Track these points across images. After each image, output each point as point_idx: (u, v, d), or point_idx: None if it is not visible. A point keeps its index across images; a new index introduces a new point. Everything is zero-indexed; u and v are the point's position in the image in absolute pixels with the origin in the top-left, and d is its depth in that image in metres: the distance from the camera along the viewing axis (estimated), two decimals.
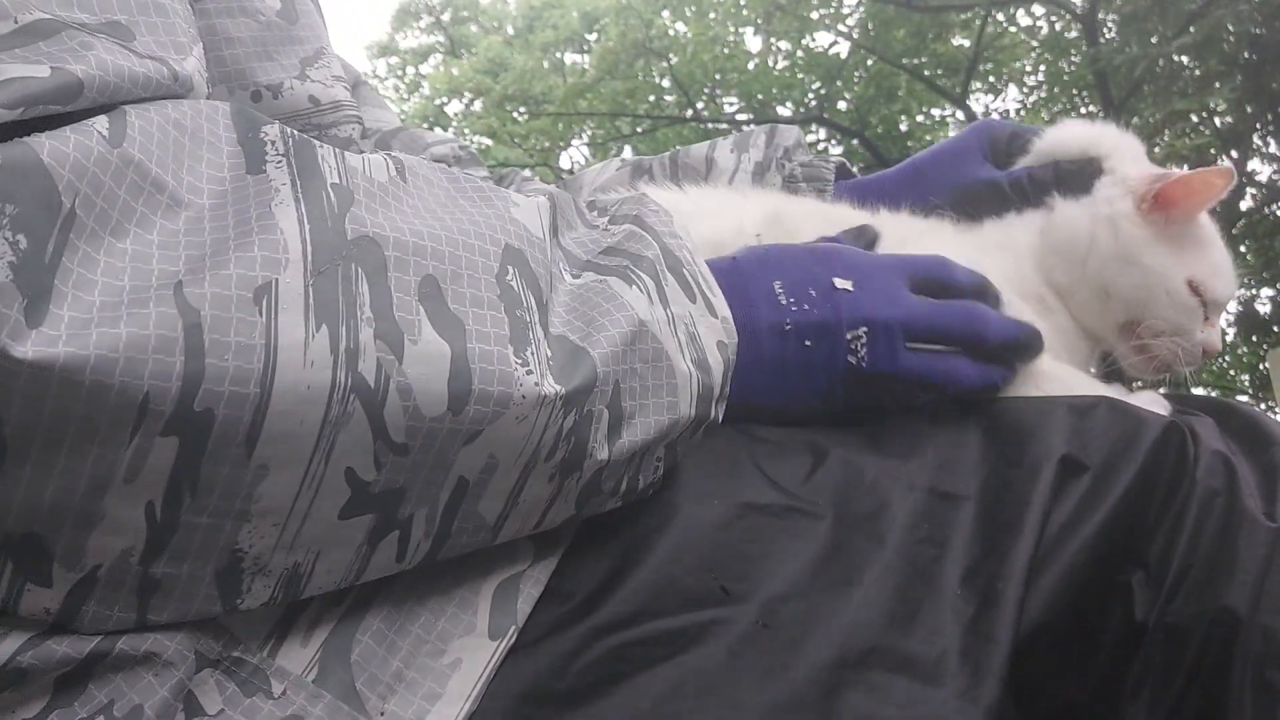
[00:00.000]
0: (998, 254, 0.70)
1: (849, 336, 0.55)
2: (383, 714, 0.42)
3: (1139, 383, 0.74)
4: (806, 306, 0.55)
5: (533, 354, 0.42)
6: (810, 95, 9.86)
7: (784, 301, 0.55)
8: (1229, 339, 9.58)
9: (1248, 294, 8.98)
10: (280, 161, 0.41)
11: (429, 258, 0.41)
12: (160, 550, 0.37)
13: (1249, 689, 0.44)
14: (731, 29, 10.01)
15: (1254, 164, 8.34)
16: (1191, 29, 7.10)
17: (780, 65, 10.01)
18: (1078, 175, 0.74)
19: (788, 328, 0.55)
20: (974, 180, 0.77)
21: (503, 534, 0.45)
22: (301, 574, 0.41)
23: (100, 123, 0.37)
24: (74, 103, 0.36)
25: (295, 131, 0.43)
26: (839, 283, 0.56)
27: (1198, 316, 0.69)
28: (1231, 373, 9.43)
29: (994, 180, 0.76)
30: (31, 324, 0.33)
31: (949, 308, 0.56)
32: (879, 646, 0.44)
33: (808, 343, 0.55)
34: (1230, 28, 7.15)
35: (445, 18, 13.48)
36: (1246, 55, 7.38)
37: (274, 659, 0.42)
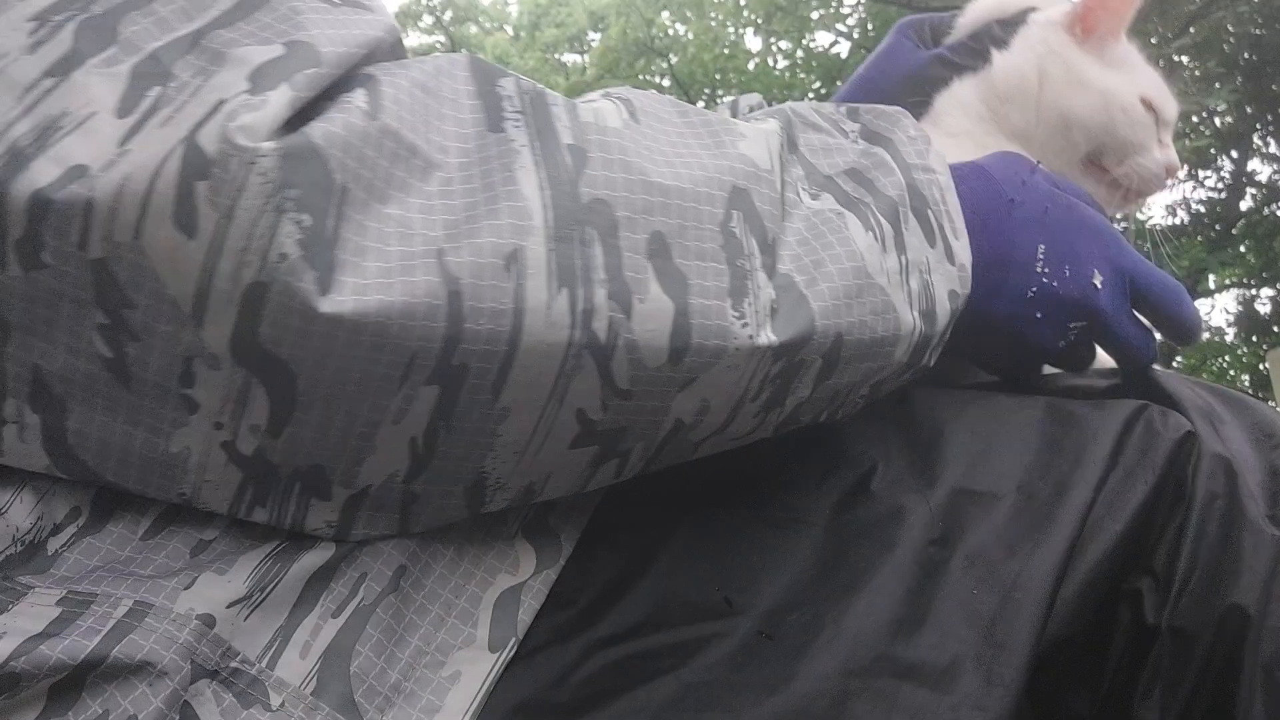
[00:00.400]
0: (962, 139, 0.72)
1: (1072, 326, 0.55)
2: None
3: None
4: (1057, 284, 0.54)
5: (750, 305, 0.44)
6: (810, 95, 9.86)
7: (1039, 269, 0.54)
8: (1229, 339, 9.58)
9: (1248, 294, 8.98)
10: (519, 120, 0.43)
11: (657, 213, 0.43)
12: (420, 473, 0.43)
13: (1259, 688, 0.44)
14: (731, 29, 10.01)
15: (1254, 164, 8.35)
16: (1191, 29, 7.10)
17: (780, 65, 10.02)
18: (1007, 28, 0.76)
19: (1031, 294, 0.54)
20: (918, 65, 0.78)
21: (700, 450, 0.48)
22: (535, 490, 0.46)
23: (359, 97, 0.40)
24: (320, 87, 0.39)
25: (529, 83, 0.45)
26: (1096, 279, 0.55)
27: (1153, 133, 0.72)
28: (1231, 373, 9.42)
29: (937, 55, 0.77)
30: (322, 292, 0.37)
31: (1166, 283, 0.57)
32: (885, 654, 0.44)
33: (1039, 315, 0.55)
34: (1230, 28, 7.15)
35: (446, 17, 13.48)
36: (1246, 56, 7.38)
37: (273, 670, 0.42)
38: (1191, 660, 0.45)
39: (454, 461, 0.43)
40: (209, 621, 0.41)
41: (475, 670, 0.44)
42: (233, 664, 0.41)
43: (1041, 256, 0.54)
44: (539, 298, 0.40)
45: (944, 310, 0.50)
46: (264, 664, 0.42)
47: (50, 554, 0.44)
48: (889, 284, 0.47)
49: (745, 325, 0.43)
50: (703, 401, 0.44)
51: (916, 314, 0.48)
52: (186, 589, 0.42)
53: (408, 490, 0.44)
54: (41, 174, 0.37)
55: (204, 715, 0.40)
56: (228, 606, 0.42)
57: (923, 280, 0.49)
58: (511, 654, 0.44)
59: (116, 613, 0.40)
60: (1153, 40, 7.53)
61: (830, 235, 0.47)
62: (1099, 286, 0.55)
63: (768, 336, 0.43)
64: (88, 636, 0.39)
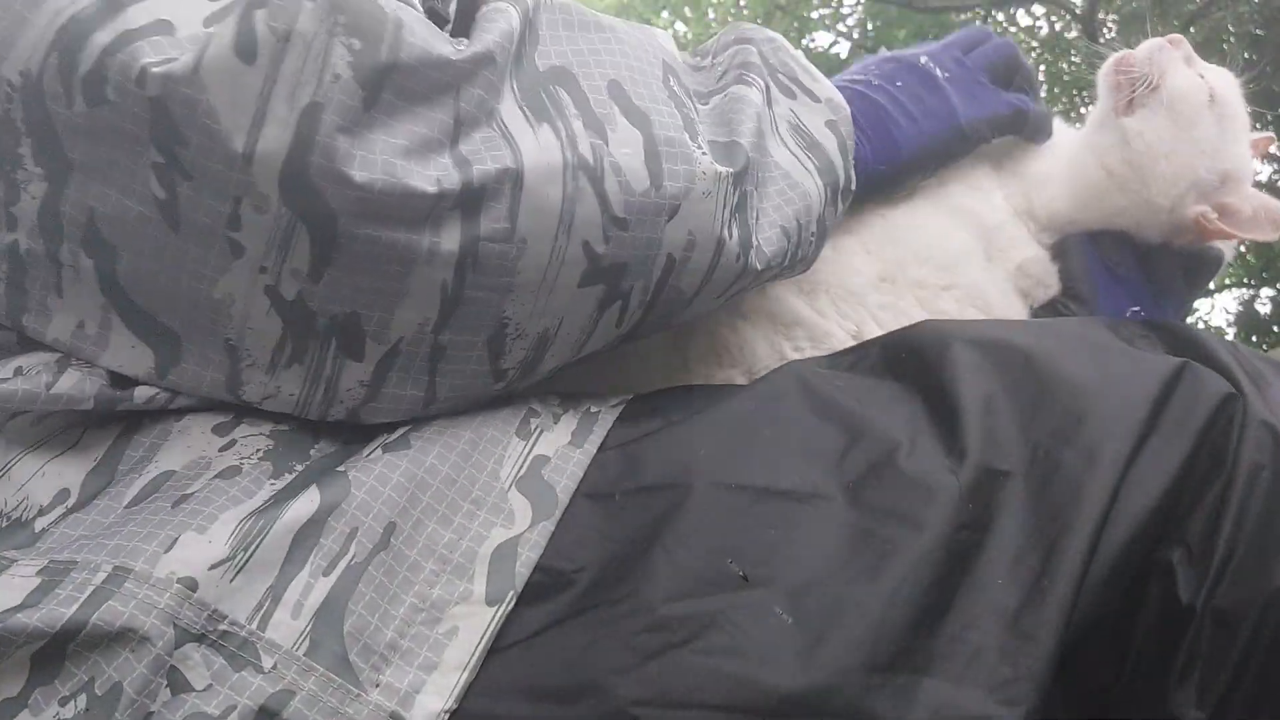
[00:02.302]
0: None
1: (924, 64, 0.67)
2: (377, 686, 0.41)
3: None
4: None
5: (703, 141, 0.51)
6: None
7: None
8: (1228, 339, 9.56)
9: (1248, 294, 8.97)
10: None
11: (608, 67, 0.50)
12: (447, 320, 0.46)
13: None
14: None
15: (1254, 164, 8.33)
16: (1191, 29, 7.09)
17: None
18: None
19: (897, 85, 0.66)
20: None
21: (695, 306, 0.54)
22: (549, 337, 0.49)
23: None
24: None
25: None
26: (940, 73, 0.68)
27: None
28: None
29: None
30: (367, 107, 0.42)
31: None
32: (909, 647, 0.42)
33: (900, 83, 0.66)
34: (1230, 28, 7.15)
35: None
36: (1246, 56, 7.38)
37: (264, 631, 0.41)
38: (1235, 644, 0.43)
39: (478, 306, 0.46)
40: (190, 585, 0.41)
41: (473, 624, 0.43)
42: (221, 627, 0.40)
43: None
44: (523, 129, 0.46)
45: (827, 136, 0.60)
46: (254, 625, 0.41)
47: (37, 531, 0.44)
48: (767, 129, 0.56)
49: (705, 154, 0.50)
50: (689, 234, 0.50)
51: (793, 150, 0.57)
52: (167, 552, 0.41)
53: (436, 343, 0.47)
54: (134, 18, 0.41)
55: (193, 680, 0.39)
56: (210, 568, 0.41)
57: (791, 124, 0.59)
58: (511, 606, 0.43)
59: (95, 580, 0.40)
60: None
61: (728, 105, 0.55)
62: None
63: (724, 166, 0.51)
64: (65, 605, 0.39)
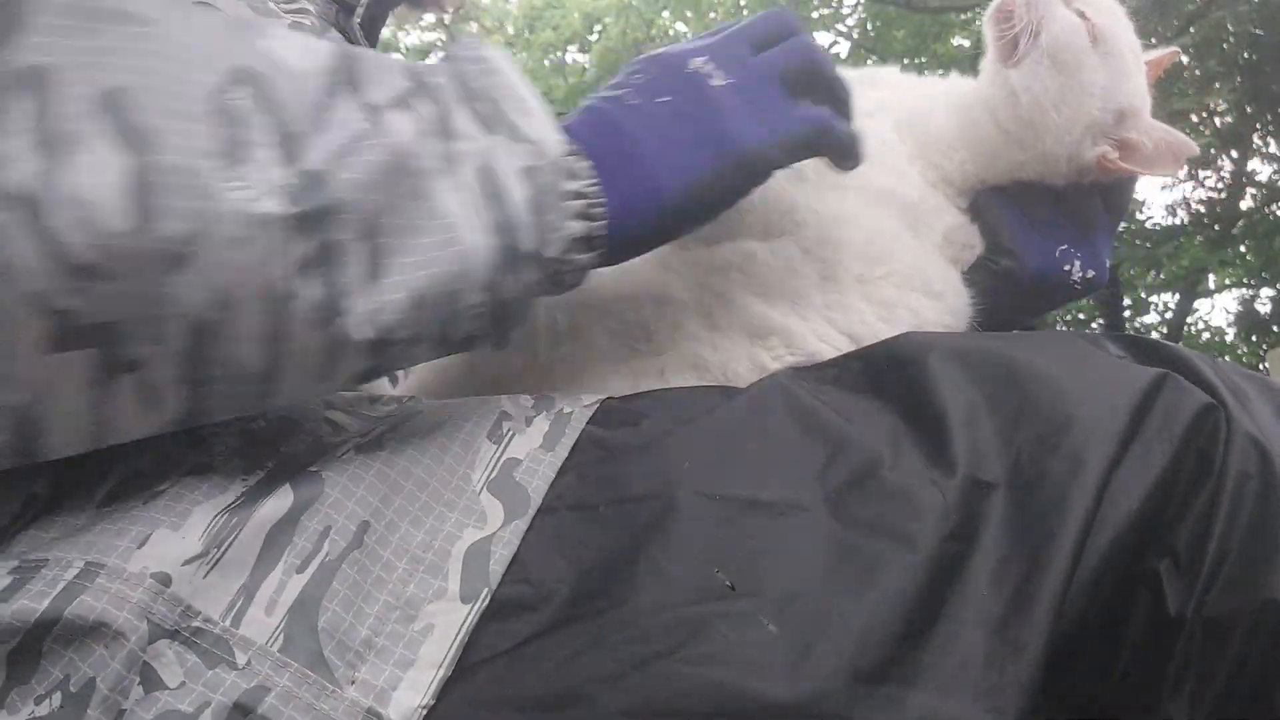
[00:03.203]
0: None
1: (696, 68, 0.53)
2: (353, 682, 0.40)
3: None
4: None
5: (251, 171, 0.40)
6: None
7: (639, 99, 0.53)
8: (1229, 339, 9.58)
9: (1248, 294, 8.98)
10: None
11: (116, 71, 0.39)
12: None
13: None
14: None
15: (1254, 164, 8.34)
16: (1191, 29, 7.10)
17: None
18: None
19: (635, 102, 0.52)
20: None
21: (288, 388, 0.44)
22: (32, 418, 0.40)
23: None
24: None
25: None
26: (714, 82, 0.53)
27: None
28: None
29: None
30: None
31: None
32: (894, 657, 0.41)
33: (662, 99, 0.52)
34: (1230, 28, 7.15)
35: (447, 17, 13.48)
36: (1246, 55, 7.39)
37: (237, 628, 0.40)
38: (1226, 653, 0.43)
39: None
40: (164, 580, 0.40)
41: (448, 622, 0.42)
42: (194, 623, 0.40)
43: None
44: None
45: (518, 187, 0.47)
46: (228, 622, 0.40)
47: (9, 537, 0.43)
48: (427, 168, 0.45)
49: (243, 189, 0.40)
50: (216, 292, 0.40)
51: (469, 199, 0.46)
52: (139, 547, 0.41)
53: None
54: None
55: (166, 676, 0.39)
56: (184, 564, 0.40)
57: (479, 166, 0.46)
58: (485, 604, 0.43)
59: (67, 575, 0.39)
60: (1153, 40, 7.54)
61: (365, 132, 0.44)
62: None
63: (277, 206, 0.40)
64: (37, 600, 0.38)
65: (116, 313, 0.39)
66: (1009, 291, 0.67)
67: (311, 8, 0.63)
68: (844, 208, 0.65)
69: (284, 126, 0.42)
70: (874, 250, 0.64)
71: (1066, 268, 0.67)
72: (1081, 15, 0.65)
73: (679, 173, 0.51)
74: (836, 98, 0.57)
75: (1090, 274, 0.67)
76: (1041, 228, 0.68)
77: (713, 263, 0.63)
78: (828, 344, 0.61)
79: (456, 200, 0.45)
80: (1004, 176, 0.68)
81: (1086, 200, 0.68)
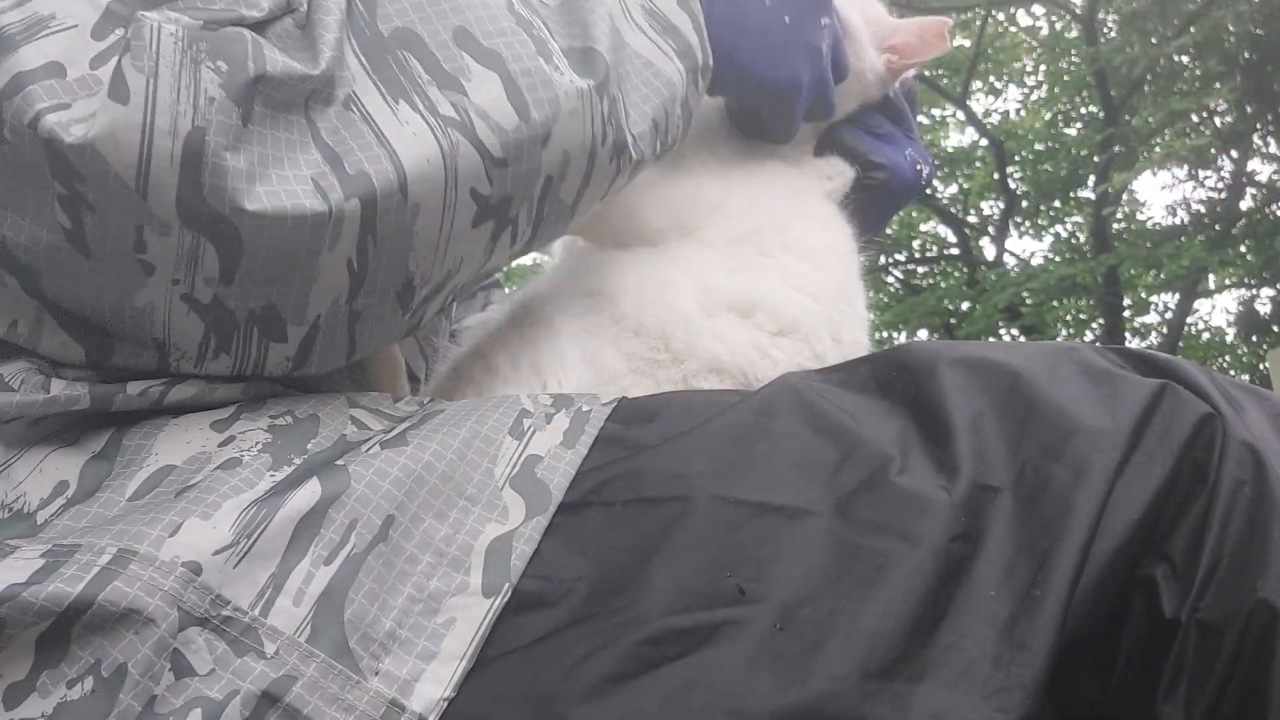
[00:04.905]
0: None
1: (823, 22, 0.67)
2: (377, 673, 0.41)
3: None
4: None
5: (559, 59, 0.53)
6: None
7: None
8: (1229, 339, 9.57)
9: (1248, 294, 8.97)
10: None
11: (451, 14, 0.52)
12: (358, 291, 0.50)
13: None
14: None
15: (1254, 164, 8.34)
16: (1191, 29, 7.09)
17: None
18: None
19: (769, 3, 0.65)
20: None
21: (579, 212, 0.57)
22: (451, 276, 0.53)
23: None
24: None
25: None
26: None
27: None
28: (1231, 373, 9.42)
29: None
30: (245, 124, 0.46)
31: None
32: (902, 656, 0.42)
33: (787, 19, 0.65)
34: (1230, 28, 7.15)
35: None
36: (1246, 55, 7.38)
37: (266, 618, 0.41)
38: (1219, 655, 0.43)
39: (384, 271, 0.49)
40: (195, 569, 0.41)
41: (470, 615, 0.43)
42: (224, 612, 0.41)
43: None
44: (385, 115, 0.48)
45: (681, 17, 0.60)
46: (257, 612, 0.41)
47: (39, 523, 0.44)
48: (624, 26, 0.58)
49: (563, 73, 0.52)
50: (564, 153, 0.53)
51: (651, 36, 0.59)
52: (171, 536, 0.41)
53: (351, 310, 0.50)
54: (28, 59, 0.43)
55: (196, 664, 0.40)
56: (214, 554, 0.41)
57: (645, 9, 0.60)
58: (506, 598, 0.44)
59: (100, 561, 0.40)
60: (1153, 40, 7.53)
61: (577, 3, 0.56)
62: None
63: (584, 80, 0.53)
64: (71, 584, 0.39)
65: (511, 188, 0.52)
66: (878, 201, 0.77)
67: None
68: (744, 192, 0.72)
69: (542, 15, 0.55)
70: (776, 221, 0.72)
71: (919, 168, 0.78)
72: None
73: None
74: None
75: (927, 170, 0.79)
76: (887, 139, 0.79)
77: (679, 257, 0.69)
78: (799, 308, 0.67)
79: (641, 41, 0.58)
80: (845, 111, 0.78)
81: (897, 103, 0.81)
